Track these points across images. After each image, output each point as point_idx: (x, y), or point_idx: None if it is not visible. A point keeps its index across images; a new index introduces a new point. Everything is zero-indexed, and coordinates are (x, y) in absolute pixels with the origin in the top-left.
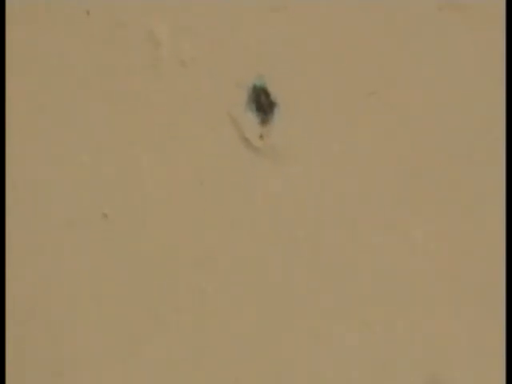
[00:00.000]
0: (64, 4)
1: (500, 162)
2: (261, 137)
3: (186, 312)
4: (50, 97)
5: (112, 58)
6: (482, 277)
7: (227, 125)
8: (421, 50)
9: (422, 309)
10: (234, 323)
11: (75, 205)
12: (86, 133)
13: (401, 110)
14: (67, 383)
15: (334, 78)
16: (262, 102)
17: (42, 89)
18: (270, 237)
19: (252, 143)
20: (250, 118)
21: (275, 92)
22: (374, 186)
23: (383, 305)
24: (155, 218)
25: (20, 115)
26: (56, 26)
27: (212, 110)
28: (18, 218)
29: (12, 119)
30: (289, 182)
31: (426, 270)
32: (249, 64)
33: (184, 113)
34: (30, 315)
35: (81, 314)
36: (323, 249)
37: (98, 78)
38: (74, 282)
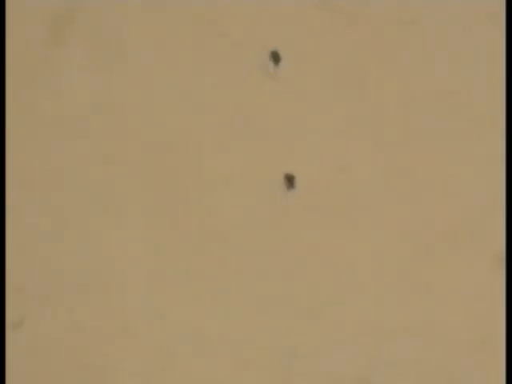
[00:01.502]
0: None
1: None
2: (274, 71)
3: None
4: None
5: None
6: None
7: (260, 66)
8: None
9: None
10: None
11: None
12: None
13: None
14: None
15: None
16: (275, 57)
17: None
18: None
19: (271, 74)
20: (270, 64)
21: (282, 53)
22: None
23: None
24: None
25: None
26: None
27: (255, 60)
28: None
29: None
30: (289, 92)
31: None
32: (272, 43)
33: (240, 59)
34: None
35: None
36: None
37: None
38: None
